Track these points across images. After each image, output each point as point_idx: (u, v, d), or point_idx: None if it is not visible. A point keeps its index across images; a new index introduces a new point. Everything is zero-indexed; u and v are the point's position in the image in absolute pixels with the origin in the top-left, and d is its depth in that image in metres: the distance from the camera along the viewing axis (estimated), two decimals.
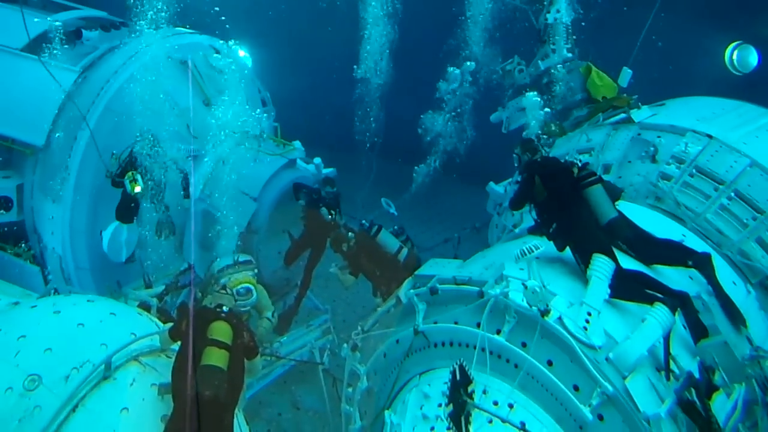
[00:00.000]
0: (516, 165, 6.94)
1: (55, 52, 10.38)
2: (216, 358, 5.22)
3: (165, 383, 5.35)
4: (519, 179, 6.68)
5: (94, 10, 11.87)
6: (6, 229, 10.51)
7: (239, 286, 8.60)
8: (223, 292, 6.08)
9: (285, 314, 11.72)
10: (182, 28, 12.06)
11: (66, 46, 10.63)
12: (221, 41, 12.27)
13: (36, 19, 10.68)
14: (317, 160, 11.97)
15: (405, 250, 10.57)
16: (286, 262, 11.69)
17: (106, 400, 5.20)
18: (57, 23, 10.53)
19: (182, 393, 5.08)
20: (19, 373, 5.11)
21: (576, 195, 5.99)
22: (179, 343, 5.54)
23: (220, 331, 5.43)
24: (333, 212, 11.05)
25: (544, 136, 9.89)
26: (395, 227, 10.87)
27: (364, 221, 10.85)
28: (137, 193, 9.18)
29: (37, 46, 10.28)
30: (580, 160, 6.55)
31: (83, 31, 11.24)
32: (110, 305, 6.24)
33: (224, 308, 5.71)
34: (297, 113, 14.50)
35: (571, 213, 5.91)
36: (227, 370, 5.24)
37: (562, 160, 6.55)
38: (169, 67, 10.62)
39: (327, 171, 11.81)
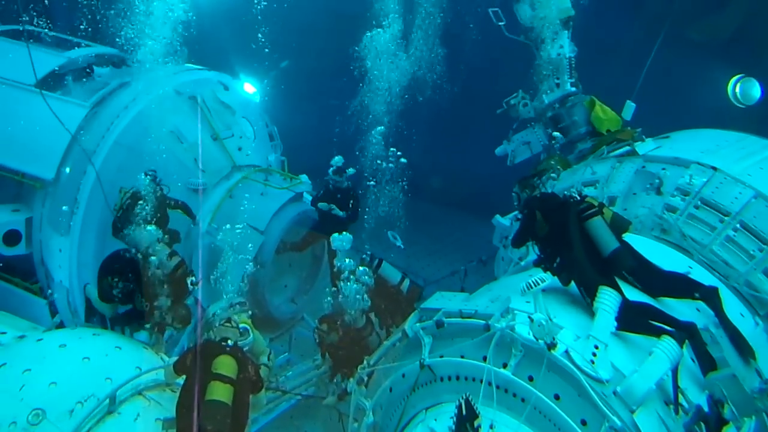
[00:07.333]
0: (516, 203, 6.92)
1: (67, 87, 10.58)
2: (220, 392, 5.21)
3: (169, 418, 5.34)
4: (520, 216, 6.70)
5: (106, 48, 12.11)
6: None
7: None
8: (228, 325, 6.07)
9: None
10: (191, 64, 12.30)
11: (78, 82, 10.85)
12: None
13: (49, 56, 10.91)
14: None
15: (407, 282, 10.55)
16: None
17: None
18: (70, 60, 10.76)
19: (186, 428, 5.05)
20: (24, 406, 5.12)
21: (577, 228, 6.00)
22: (184, 377, 5.54)
23: (225, 365, 5.42)
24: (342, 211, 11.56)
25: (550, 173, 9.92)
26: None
27: (365, 255, 10.82)
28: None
29: (49, 82, 10.48)
30: (580, 193, 6.55)
31: (95, 67, 11.47)
32: (116, 339, 6.26)
33: (229, 342, 5.71)
34: (305, 147, 14.62)
35: (573, 246, 5.91)
36: (231, 404, 5.22)
37: (561, 195, 6.58)
38: (179, 102, 10.80)
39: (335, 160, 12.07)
